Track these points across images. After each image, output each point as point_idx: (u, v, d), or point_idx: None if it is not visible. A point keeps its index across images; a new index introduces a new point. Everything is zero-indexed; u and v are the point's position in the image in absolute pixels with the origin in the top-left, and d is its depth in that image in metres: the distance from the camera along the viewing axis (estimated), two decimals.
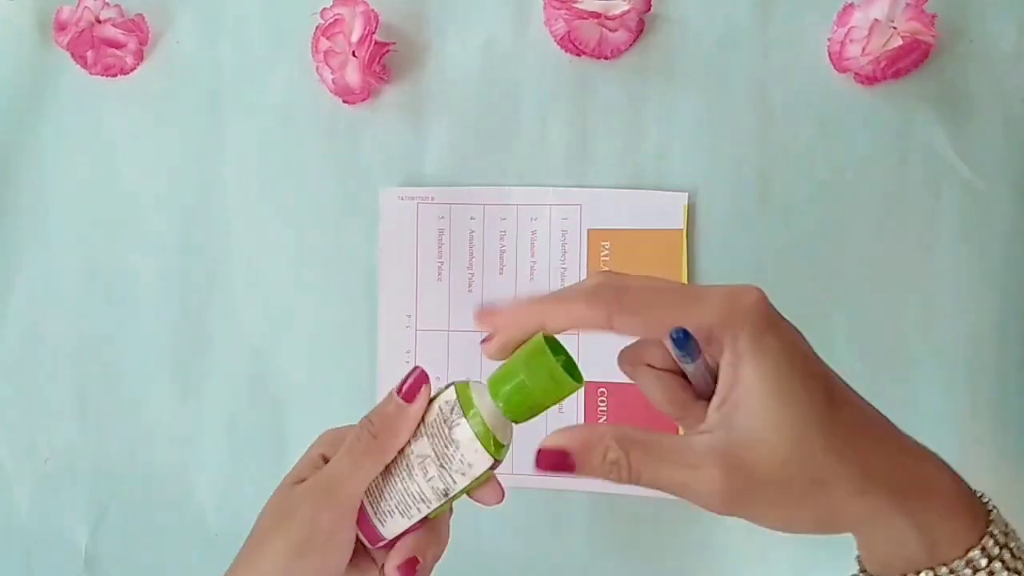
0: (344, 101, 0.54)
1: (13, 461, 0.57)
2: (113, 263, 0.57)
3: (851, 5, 0.49)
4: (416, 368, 0.34)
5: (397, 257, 0.53)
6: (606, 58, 0.52)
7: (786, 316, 0.48)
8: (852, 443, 0.27)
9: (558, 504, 0.52)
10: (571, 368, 0.29)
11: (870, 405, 0.29)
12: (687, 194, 0.50)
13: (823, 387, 0.28)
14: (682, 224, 0.50)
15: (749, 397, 0.27)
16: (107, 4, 0.55)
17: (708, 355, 0.29)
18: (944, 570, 0.27)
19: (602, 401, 0.50)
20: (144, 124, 0.57)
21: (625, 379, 0.32)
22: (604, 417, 0.50)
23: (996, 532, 0.27)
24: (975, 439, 0.48)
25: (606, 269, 0.34)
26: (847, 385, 0.29)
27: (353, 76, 0.52)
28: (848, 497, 0.27)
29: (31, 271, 0.58)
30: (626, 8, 0.48)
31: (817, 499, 0.27)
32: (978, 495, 0.29)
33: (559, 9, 0.49)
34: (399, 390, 0.33)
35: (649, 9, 0.50)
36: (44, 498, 0.57)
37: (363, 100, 0.54)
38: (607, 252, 0.51)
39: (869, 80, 0.49)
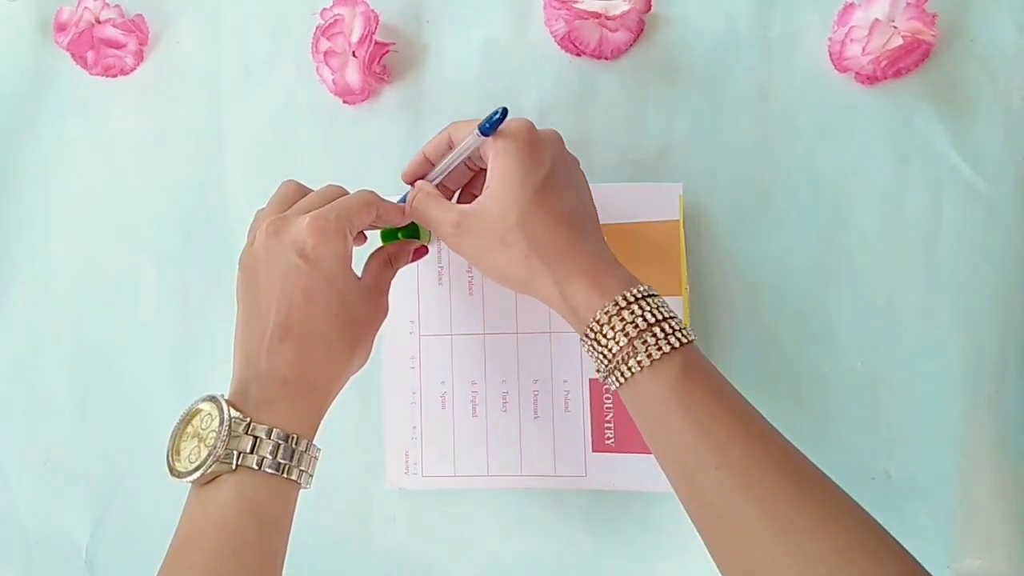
0: (344, 101, 0.54)
1: (13, 461, 0.57)
2: (113, 263, 0.57)
3: (851, 5, 0.49)
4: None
5: None
6: (606, 58, 0.52)
7: (786, 315, 0.48)
8: (537, 226, 0.40)
9: (558, 504, 0.52)
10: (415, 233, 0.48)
11: (586, 217, 0.42)
12: (680, 185, 0.50)
13: (537, 185, 0.40)
14: (678, 215, 0.50)
15: (489, 183, 0.41)
16: (107, 5, 0.55)
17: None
18: (586, 328, 0.38)
19: (607, 397, 0.50)
20: (144, 124, 0.57)
21: None
22: (611, 413, 0.50)
23: (618, 299, 0.37)
24: (975, 438, 0.48)
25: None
26: (575, 193, 0.42)
27: (353, 76, 0.52)
28: (518, 259, 0.40)
29: (31, 271, 0.58)
30: (626, 8, 0.48)
31: (501, 254, 0.40)
32: (631, 286, 0.38)
33: (559, 9, 0.49)
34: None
35: (649, 9, 0.50)
36: (45, 498, 0.57)
37: (363, 100, 0.54)
38: None
39: (870, 80, 0.49)
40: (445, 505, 0.53)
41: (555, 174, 0.41)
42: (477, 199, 0.41)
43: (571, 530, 0.52)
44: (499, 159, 0.40)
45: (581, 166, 0.52)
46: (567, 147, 0.44)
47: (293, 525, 0.40)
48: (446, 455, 0.52)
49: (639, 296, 0.38)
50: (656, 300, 0.38)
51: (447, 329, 0.52)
